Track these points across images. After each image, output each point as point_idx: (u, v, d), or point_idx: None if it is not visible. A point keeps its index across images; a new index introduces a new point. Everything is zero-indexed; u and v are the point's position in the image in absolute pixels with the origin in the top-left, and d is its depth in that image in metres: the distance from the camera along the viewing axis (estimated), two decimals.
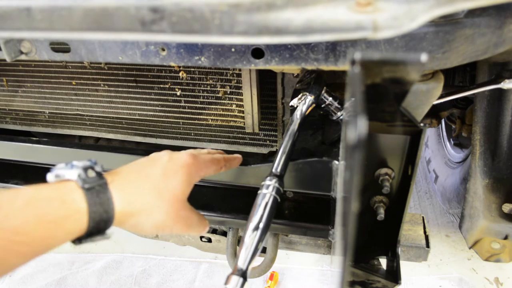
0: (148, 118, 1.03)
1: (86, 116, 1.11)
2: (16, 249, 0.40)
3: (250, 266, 0.57)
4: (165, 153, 0.60)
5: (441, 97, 0.93)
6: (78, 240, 0.47)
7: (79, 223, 0.45)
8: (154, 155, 0.60)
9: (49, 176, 0.49)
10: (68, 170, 0.48)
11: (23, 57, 0.67)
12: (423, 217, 0.95)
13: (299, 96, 0.76)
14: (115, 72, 0.96)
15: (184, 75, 0.91)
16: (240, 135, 1.01)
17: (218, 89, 0.92)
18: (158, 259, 1.68)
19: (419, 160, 0.54)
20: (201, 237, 1.06)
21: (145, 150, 1.00)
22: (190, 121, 1.00)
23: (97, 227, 0.47)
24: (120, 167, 0.55)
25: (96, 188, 0.47)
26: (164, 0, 0.41)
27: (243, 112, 0.93)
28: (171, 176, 0.56)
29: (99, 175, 0.49)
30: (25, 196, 0.42)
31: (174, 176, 0.56)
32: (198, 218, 0.61)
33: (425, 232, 0.92)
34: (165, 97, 0.97)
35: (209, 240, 1.06)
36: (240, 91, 0.90)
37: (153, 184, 0.54)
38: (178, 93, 0.95)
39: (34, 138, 1.04)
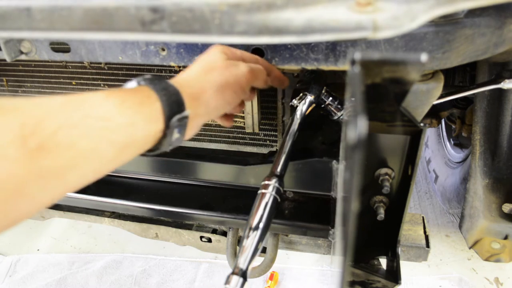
0: None
1: None
2: (106, 136, 0.42)
3: (250, 266, 0.57)
4: None
5: (441, 97, 0.93)
6: (165, 132, 0.49)
7: (153, 107, 0.47)
8: None
9: None
10: (127, 84, 0.52)
11: (23, 57, 0.67)
12: (423, 217, 0.95)
13: (299, 96, 0.76)
14: (115, 72, 0.96)
15: None
16: (240, 135, 1.01)
17: None
18: (158, 259, 1.68)
19: (419, 160, 0.54)
20: (201, 237, 1.06)
21: None
22: None
23: (171, 109, 0.49)
24: None
25: (156, 80, 0.51)
26: (164, 0, 0.41)
27: (243, 112, 0.93)
28: (208, 54, 0.61)
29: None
30: (102, 93, 0.45)
31: (211, 53, 0.61)
32: (251, 65, 0.63)
33: (425, 232, 0.92)
34: None
35: (209, 240, 1.06)
36: None
37: (197, 67, 0.58)
38: None
39: None
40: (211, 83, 0.57)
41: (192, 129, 0.54)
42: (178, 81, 0.54)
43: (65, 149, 0.38)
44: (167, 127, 0.49)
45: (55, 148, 0.37)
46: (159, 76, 0.53)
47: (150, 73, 0.93)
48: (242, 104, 0.70)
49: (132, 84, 0.51)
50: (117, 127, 0.43)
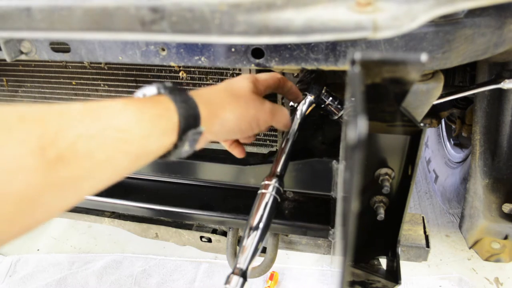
0: None
1: None
2: (122, 147, 0.42)
3: (250, 266, 0.57)
4: None
5: (441, 97, 0.93)
6: (176, 144, 0.49)
7: (171, 120, 0.48)
8: None
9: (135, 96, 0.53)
10: (147, 88, 0.52)
11: (23, 57, 0.67)
12: (423, 217, 0.95)
13: None
14: (115, 72, 0.96)
15: (184, 75, 0.91)
16: None
17: None
18: (158, 259, 1.68)
19: (419, 160, 0.54)
20: (201, 237, 1.06)
21: None
22: None
23: (188, 123, 0.49)
24: None
25: (177, 91, 0.51)
26: (164, 0, 0.41)
27: None
28: (236, 80, 0.63)
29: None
30: (121, 102, 0.45)
31: (239, 80, 0.63)
32: (275, 107, 0.65)
33: (425, 232, 0.92)
34: None
35: (209, 240, 1.06)
36: None
37: (222, 87, 0.60)
38: None
39: None
40: (232, 108, 0.57)
41: (201, 143, 0.55)
42: (200, 94, 0.54)
43: (82, 160, 0.38)
44: (180, 140, 0.49)
45: (73, 158, 0.38)
46: (178, 86, 0.53)
47: (150, 73, 0.94)
48: (254, 136, 0.71)
49: (151, 90, 0.51)
50: (134, 139, 0.43)
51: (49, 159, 0.36)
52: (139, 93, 0.52)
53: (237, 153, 0.73)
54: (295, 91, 0.73)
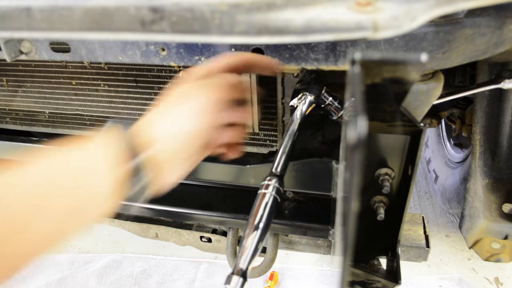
0: None
1: (86, 116, 1.11)
2: None
3: (250, 266, 0.57)
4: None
5: (441, 97, 0.93)
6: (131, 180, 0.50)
7: None
8: None
9: None
10: None
11: (23, 57, 0.67)
12: (423, 217, 0.95)
13: (299, 96, 0.76)
14: (115, 72, 0.96)
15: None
16: None
17: None
18: (158, 259, 1.68)
19: (419, 160, 0.54)
20: (201, 237, 1.06)
21: None
22: None
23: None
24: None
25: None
26: (164, 0, 0.41)
27: None
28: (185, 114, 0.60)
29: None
30: None
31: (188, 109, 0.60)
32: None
33: (425, 232, 0.92)
34: None
35: (209, 240, 1.06)
36: None
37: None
38: None
39: (34, 138, 1.04)
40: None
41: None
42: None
43: None
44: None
45: None
46: None
47: (150, 73, 0.94)
48: (238, 150, 0.67)
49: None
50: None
51: None
52: None
53: (232, 153, 0.67)
54: (268, 64, 0.60)
